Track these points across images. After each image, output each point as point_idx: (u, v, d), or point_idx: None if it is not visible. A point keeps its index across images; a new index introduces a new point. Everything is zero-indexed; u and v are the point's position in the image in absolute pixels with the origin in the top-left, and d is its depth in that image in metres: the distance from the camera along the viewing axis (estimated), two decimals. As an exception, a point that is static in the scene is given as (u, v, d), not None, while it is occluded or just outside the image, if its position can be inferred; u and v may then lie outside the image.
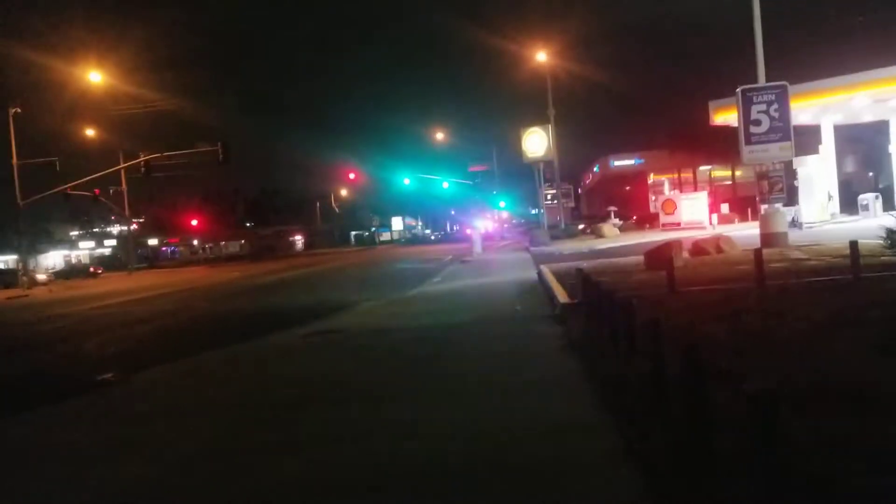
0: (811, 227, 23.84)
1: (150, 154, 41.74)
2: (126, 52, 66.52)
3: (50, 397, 7.30)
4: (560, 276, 13.97)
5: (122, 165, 43.27)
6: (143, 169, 41.19)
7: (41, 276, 49.47)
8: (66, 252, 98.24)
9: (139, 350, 11.30)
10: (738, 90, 17.04)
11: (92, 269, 56.58)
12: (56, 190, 42.12)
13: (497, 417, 4.90)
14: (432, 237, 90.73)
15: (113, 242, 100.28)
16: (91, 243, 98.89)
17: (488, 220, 72.07)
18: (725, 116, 30.11)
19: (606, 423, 4.41)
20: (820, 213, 26.42)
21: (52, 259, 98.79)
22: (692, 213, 33.59)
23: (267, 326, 11.97)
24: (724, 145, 51.31)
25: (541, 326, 8.74)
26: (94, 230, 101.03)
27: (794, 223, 25.13)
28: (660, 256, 13.50)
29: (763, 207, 17.95)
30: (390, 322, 10.81)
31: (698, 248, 15.53)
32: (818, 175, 27.09)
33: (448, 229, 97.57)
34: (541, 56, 38.96)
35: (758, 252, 9.12)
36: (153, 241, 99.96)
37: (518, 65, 42.51)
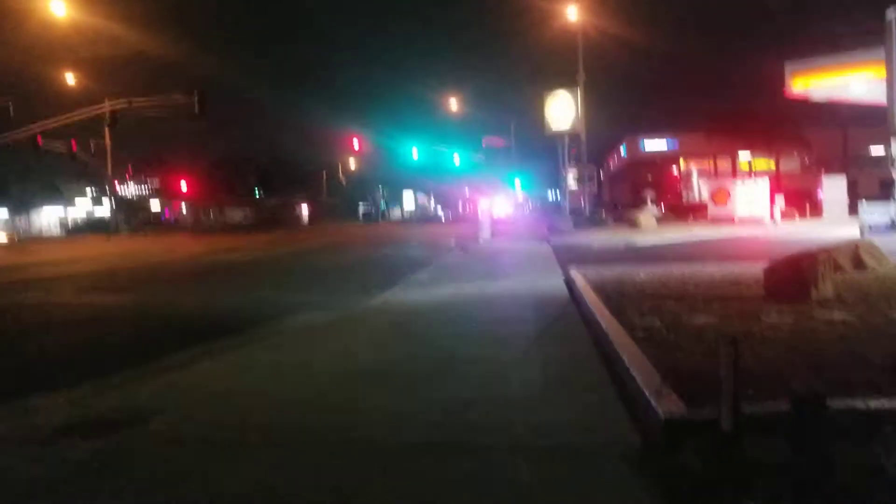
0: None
1: (117, 102, 36.17)
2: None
3: None
4: (610, 298, 8.23)
5: (78, 113, 37.49)
6: (108, 118, 35.65)
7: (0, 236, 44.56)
8: (60, 211, 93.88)
9: None
10: (890, 14, 11.05)
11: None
12: (11, 134, 36.67)
13: None
14: (442, 217, 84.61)
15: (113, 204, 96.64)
16: (88, 202, 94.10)
17: (502, 201, 66.12)
18: (808, 83, 24.11)
19: None
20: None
21: (46, 216, 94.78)
22: (749, 204, 27.63)
23: (59, 370, 6.59)
24: (771, 128, 45.40)
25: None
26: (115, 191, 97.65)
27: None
28: (793, 277, 7.70)
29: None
30: (268, 400, 5.09)
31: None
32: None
33: (461, 209, 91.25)
34: (571, 12, 32.76)
35: None
36: (155, 206, 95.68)
37: (541, 26, 36.40)
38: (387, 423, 4.34)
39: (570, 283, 10.79)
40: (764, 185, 28.00)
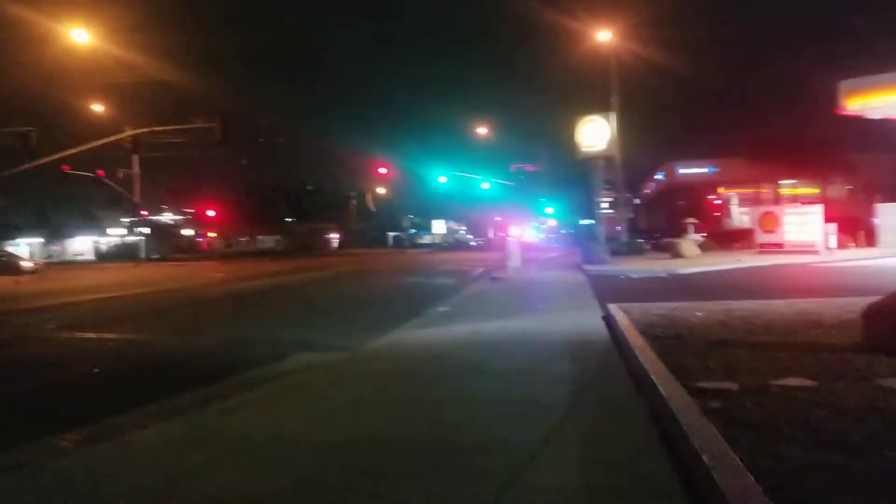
0: None
1: (139, 131, 35.63)
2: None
3: None
4: (663, 346, 6.60)
5: (102, 140, 36.95)
6: (129, 143, 35.08)
7: (26, 264, 43.92)
8: (95, 238, 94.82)
9: None
10: None
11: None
12: (34, 164, 36.23)
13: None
14: (472, 243, 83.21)
15: (147, 230, 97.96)
16: (123, 230, 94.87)
17: (532, 228, 64.50)
18: (865, 102, 22.27)
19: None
20: None
21: (80, 244, 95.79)
22: (801, 231, 25.58)
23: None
24: (816, 154, 43.16)
25: None
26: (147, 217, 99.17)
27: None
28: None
29: None
30: (193, 499, 3.59)
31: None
32: None
33: (491, 235, 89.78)
34: (604, 35, 31.04)
35: None
36: (190, 233, 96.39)
37: (573, 51, 34.79)
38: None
39: (610, 323, 9.14)
40: (818, 211, 25.90)
